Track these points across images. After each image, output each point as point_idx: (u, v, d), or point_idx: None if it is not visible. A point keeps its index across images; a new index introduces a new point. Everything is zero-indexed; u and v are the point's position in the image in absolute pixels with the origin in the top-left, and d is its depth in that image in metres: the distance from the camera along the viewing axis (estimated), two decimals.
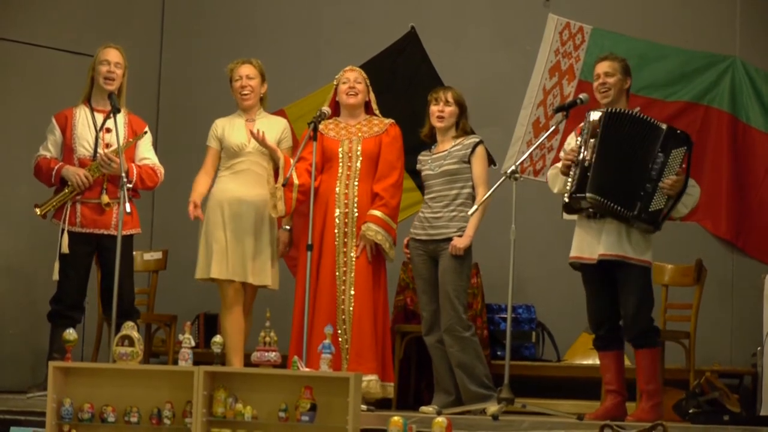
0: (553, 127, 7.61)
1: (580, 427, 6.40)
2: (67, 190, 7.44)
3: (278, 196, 7.51)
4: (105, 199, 7.47)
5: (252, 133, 7.50)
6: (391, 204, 7.60)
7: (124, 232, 7.43)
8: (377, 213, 7.55)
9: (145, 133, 7.66)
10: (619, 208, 6.87)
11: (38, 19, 9.07)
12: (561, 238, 9.34)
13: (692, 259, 7.97)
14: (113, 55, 7.62)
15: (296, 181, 7.50)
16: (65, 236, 7.41)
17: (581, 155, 6.94)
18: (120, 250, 7.12)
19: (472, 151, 7.52)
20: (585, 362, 8.81)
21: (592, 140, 6.94)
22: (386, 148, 7.63)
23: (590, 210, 7.00)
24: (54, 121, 7.59)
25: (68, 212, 7.45)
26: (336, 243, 7.56)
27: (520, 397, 7.14)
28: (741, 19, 9.21)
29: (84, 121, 7.56)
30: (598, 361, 8.40)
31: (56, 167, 7.46)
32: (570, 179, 6.98)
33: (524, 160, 7.66)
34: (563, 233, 9.35)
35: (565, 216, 7.26)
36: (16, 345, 8.70)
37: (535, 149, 7.83)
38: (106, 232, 7.50)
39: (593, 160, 6.90)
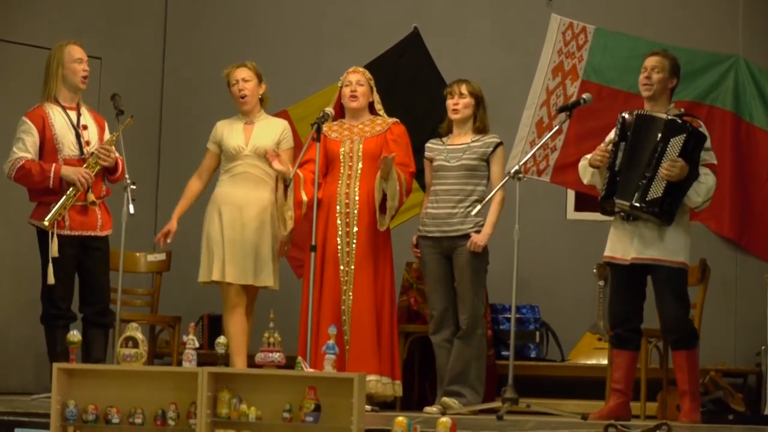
0: (557, 127, 7.62)
1: (584, 427, 6.40)
2: (70, 193, 7.35)
3: (288, 216, 7.52)
4: (91, 197, 7.40)
5: (267, 156, 7.56)
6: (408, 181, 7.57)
7: (102, 233, 7.53)
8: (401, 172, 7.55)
9: (129, 117, 7.56)
10: (623, 200, 6.90)
11: (39, 20, 9.08)
12: (564, 238, 9.40)
13: (696, 258, 7.96)
14: (82, 52, 7.51)
15: (304, 198, 7.51)
16: (55, 240, 7.31)
17: (612, 158, 6.99)
18: (121, 251, 7.22)
19: (493, 151, 7.52)
20: (589, 362, 8.82)
21: (622, 143, 6.98)
22: (392, 145, 7.60)
23: (622, 213, 7.03)
24: (29, 121, 7.40)
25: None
26: (339, 244, 7.55)
27: (524, 396, 7.14)
28: (744, 18, 9.22)
29: (61, 120, 7.44)
30: (602, 361, 8.44)
31: (53, 169, 7.32)
32: (603, 182, 7.02)
33: (527, 160, 7.66)
34: (567, 233, 9.41)
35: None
36: (18, 347, 8.70)
37: (538, 149, 7.82)
38: (92, 234, 7.47)
39: (623, 165, 6.95)
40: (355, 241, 7.56)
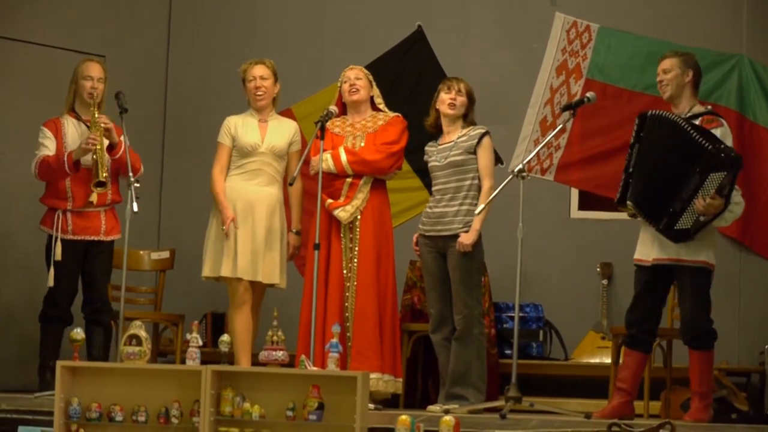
0: (560, 126, 7.61)
1: (587, 426, 6.39)
2: (98, 148, 7.47)
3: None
4: (94, 196, 7.61)
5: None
6: (361, 156, 7.55)
7: (109, 238, 7.75)
8: (341, 148, 7.56)
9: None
10: (648, 219, 6.89)
11: (42, 18, 9.08)
12: (568, 237, 9.39)
13: None
14: (96, 70, 7.72)
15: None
16: (59, 244, 7.56)
17: (627, 159, 6.97)
18: (124, 249, 7.25)
19: (479, 142, 7.48)
20: (592, 361, 8.81)
21: (636, 146, 6.95)
22: (381, 133, 7.62)
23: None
24: (45, 129, 7.69)
25: (60, 221, 7.60)
26: (342, 241, 7.56)
27: (527, 395, 7.13)
28: (747, 17, 9.22)
29: (73, 130, 7.69)
30: (605, 360, 8.44)
31: (66, 155, 7.54)
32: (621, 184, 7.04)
33: (531, 158, 7.65)
34: (570, 232, 9.41)
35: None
36: (22, 345, 8.70)
37: (542, 148, 7.81)
38: (95, 239, 7.70)
39: (634, 166, 6.92)
40: (358, 238, 7.56)
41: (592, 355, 8.85)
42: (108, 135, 7.58)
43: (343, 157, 7.55)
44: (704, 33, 9.10)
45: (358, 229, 7.58)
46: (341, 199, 7.57)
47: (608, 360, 8.20)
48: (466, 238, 7.36)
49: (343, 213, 7.54)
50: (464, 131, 7.55)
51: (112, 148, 7.60)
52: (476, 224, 7.39)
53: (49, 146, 7.64)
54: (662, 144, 6.90)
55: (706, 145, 6.76)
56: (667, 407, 7.81)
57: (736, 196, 6.93)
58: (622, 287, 9.05)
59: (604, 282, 9.07)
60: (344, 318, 7.47)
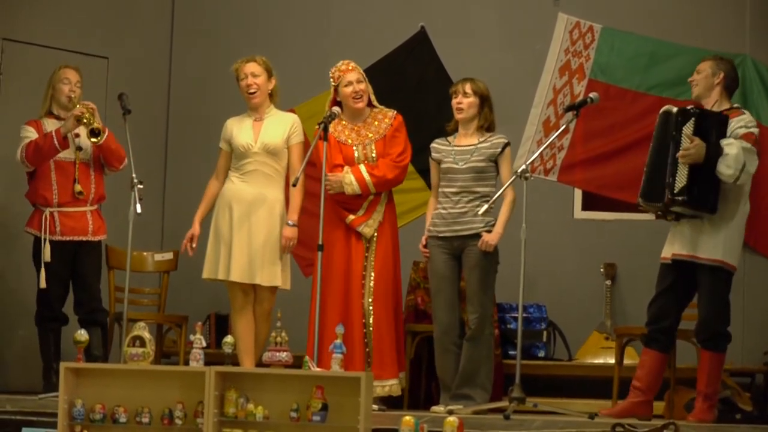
0: (564, 127, 7.60)
1: (591, 426, 6.39)
2: (87, 115, 7.66)
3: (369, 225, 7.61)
4: (78, 188, 7.78)
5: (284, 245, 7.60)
6: (385, 176, 7.58)
7: (95, 238, 7.92)
8: (363, 169, 7.56)
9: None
10: (654, 203, 6.90)
11: (44, 20, 9.08)
12: (572, 237, 9.38)
13: None
14: (73, 75, 7.92)
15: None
16: (47, 246, 7.73)
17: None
18: (128, 250, 7.34)
19: (501, 152, 7.50)
20: (596, 361, 8.81)
21: (652, 143, 6.99)
22: (390, 142, 7.63)
23: (659, 213, 7.04)
24: (27, 126, 7.87)
25: (47, 222, 7.77)
26: (364, 249, 7.57)
27: (531, 396, 7.13)
28: (751, 17, 9.21)
29: (54, 128, 7.80)
30: (609, 360, 8.44)
31: (54, 132, 7.68)
32: None
33: (534, 159, 7.65)
34: (574, 232, 9.40)
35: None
36: (26, 346, 8.70)
37: (545, 148, 7.81)
38: (84, 239, 7.86)
39: (648, 165, 6.99)
40: (375, 248, 7.56)
41: (596, 355, 8.85)
42: (92, 116, 7.70)
43: (368, 178, 7.54)
44: (707, 33, 9.10)
45: (375, 239, 7.58)
46: (360, 213, 7.58)
47: (612, 360, 8.19)
48: (491, 238, 7.37)
49: (367, 229, 7.57)
50: (485, 136, 7.55)
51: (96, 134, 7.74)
52: (499, 227, 7.40)
53: (32, 137, 7.77)
54: (666, 138, 6.93)
55: (674, 109, 6.89)
56: (671, 407, 7.80)
57: (725, 141, 6.87)
58: (626, 288, 9.06)
59: (608, 282, 9.07)
60: (361, 324, 7.49)
